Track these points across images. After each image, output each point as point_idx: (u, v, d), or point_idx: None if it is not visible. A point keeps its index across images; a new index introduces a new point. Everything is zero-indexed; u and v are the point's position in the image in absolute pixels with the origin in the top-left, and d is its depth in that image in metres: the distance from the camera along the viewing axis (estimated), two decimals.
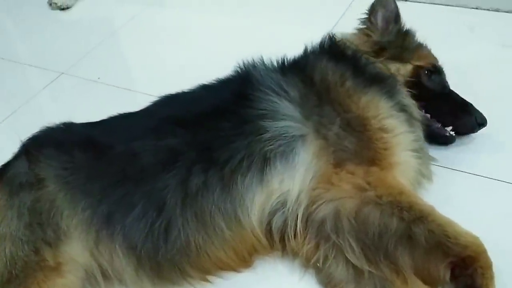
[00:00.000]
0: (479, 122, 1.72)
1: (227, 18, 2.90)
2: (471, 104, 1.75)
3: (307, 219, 1.42)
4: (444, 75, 1.80)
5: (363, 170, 1.41)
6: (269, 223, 1.45)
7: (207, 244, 1.41)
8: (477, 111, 1.73)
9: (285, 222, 1.45)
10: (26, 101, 2.42)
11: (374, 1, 1.79)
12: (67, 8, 3.19)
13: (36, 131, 1.60)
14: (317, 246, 1.42)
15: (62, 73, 2.59)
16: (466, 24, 2.47)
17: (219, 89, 1.64)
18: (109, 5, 3.20)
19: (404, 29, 1.80)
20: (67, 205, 1.39)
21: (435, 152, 1.72)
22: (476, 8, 2.58)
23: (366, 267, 1.34)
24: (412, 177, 1.53)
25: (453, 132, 1.75)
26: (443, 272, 1.28)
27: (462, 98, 1.77)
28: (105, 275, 1.42)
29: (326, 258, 1.41)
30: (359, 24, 1.81)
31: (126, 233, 1.39)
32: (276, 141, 1.45)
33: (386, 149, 1.47)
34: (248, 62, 1.66)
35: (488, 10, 2.55)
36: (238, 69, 1.67)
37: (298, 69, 1.63)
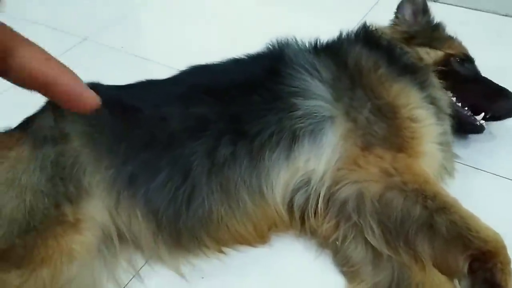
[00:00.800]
0: None
1: (254, 2, 2.88)
2: (506, 89, 1.74)
3: (329, 199, 1.42)
4: (475, 64, 1.82)
5: (391, 156, 1.41)
6: (291, 200, 1.46)
7: (228, 216, 1.41)
8: None
9: (306, 200, 1.45)
10: None
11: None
12: None
13: None
14: (337, 225, 1.42)
15: (86, 38, 2.58)
16: (494, 29, 2.46)
17: (251, 64, 1.63)
18: None
19: (434, 21, 1.83)
20: (91, 162, 1.38)
21: (460, 150, 1.72)
22: (506, 15, 2.57)
23: (385, 250, 1.34)
24: (435, 169, 1.53)
25: (484, 122, 1.74)
26: (462, 264, 1.28)
27: (497, 84, 1.76)
28: (121, 238, 1.42)
29: (345, 237, 1.41)
30: (389, 21, 1.84)
31: (149, 196, 1.38)
32: (307, 119, 1.45)
33: (413, 138, 1.47)
34: (282, 40, 1.65)
35: None
36: (271, 46, 1.66)
37: (331, 52, 1.63)
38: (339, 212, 1.41)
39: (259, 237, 1.46)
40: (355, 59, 1.59)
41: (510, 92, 1.73)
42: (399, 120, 1.48)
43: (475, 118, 1.74)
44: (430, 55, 1.74)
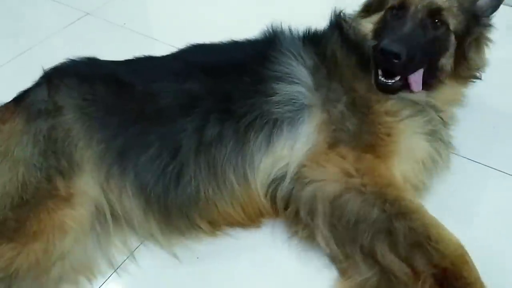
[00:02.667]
0: None
1: None
2: None
3: (291, 198, 1.40)
4: None
5: (355, 156, 1.36)
6: (274, 190, 1.43)
7: (216, 195, 1.40)
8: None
9: (289, 194, 1.41)
10: (47, 37, 2.39)
11: None
12: None
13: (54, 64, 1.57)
14: (296, 230, 1.41)
15: (88, 13, 2.56)
16: (504, 21, 2.40)
17: (246, 46, 1.63)
18: None
19: None
20: (82, 135, 1.38)
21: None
22: None
23: (340, 256, 1.31)
24: (423, 160, 1.44)
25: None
26: (424, 277, 1.21)
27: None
28: (114, 214, 1.42)
29: (308, 241, 1.39)
30: None
31: (138, 171, 1.38)
32: (285, 106, 1.43)
33: (389, 135, 1.40)
34: (276, 26, 1.63)
35: None
36: (266, 31, 1.64)
37: (315, 42, 1.59)
38: (296, 214, 1.39)
39: (249, 220, 1.45)
40: (331, 51, 1.55)
41: None
42: (373, 115, 1.42)
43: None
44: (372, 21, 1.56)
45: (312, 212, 1.34)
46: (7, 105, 1.49)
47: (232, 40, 1.66)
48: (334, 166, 1.35)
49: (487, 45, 1.57)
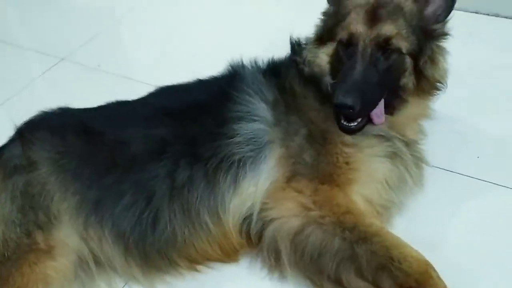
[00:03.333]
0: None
1: (227, 10, 2.88)
2: None
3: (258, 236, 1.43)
4: None
5: (312, 188, 1.39)
6: (248, 226, 1.45)
7: (193, 236, 1.43)
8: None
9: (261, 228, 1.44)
10: (24, 86, 2.43)
11: None
12: None
13: (32, 115, 1.61)
14: (265, 266, 1.44)
15: (62, 59, 2.60)
16: (465, 28, 2.47)
17: (211, 85, 1.64)
18: None
19: None
20: (57, 188, 1.41)
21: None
22: (476, 13, 2.56)
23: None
24: (389, 181, 1.46)
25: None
26: None
27: None
28: (97, 261, 1.44)
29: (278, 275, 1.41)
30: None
31: (115, 220, 1.41)
32: (247, 145, 1.45)
33: (348, 164, 1.42)
34: (239, 61, 1.65)
35: (487, 15, 2.54)
36: (230, 67, 1.66)
37: (276, 73, 1.60)
38: (261, 251, 1.42)
39: (227, 256, 1.47)
40: (289, 82, 1.56)
41: None
42: (330, 146, 1.44)
43: None
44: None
45: (276, 253, 1.37)
46: None
47: (198, 79, 1.68)
48: (292, 201, 1.38)
49: (443, 57, 1.54)
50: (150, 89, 1.71)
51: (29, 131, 1.52)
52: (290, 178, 1.41)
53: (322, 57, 1.51)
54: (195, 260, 1.46)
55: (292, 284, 1.40)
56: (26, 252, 1.33)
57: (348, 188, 1.39)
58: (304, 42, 1.62)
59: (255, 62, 1.64)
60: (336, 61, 1.46)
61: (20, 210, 1.37)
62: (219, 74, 1.68)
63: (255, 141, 1.46)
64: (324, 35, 1.53)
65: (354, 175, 1.41)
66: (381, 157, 1.46)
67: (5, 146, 1.55)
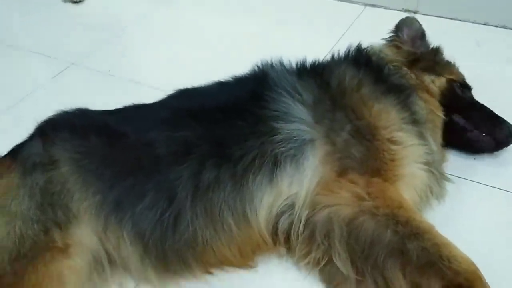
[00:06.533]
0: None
1: (237, 20, 2.94)
2: (501, 117, 1.78)
3: (305, 224, 1.44)
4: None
5: (365, 180, 1.42)
6: (275, 224, 1.47)
7: (213, 239, 1.42)
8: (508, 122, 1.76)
9: (290, 224, 1.46)
10: (33, 90, 2.43)
11: (400, 20, 1.88)
12: (80, 1, 3.22)
13: (47, 117, 1.61)
14: (309, 250, 1.44)
15: (72, 63, 2.61)
16: (474, 39, 2.51)
17: (235, 87, 1.66)
18: (120, 2, 3.24)
19: (434, 46, 1.87)
20: (78, 188, 1.41)
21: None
22: (485, 24, 2.62)
23: (352, 274, 1.35)
24: (420, 189, 1.53)
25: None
26: None
27: (492, 110, 1.81)
28: (111, 262, 1.44)
29: (318, 261, 1.42)
30: (386, 39, 1.87)
31: (135, 221, 1.40)
32: (288, 143, 1.47)
33: (393, 161, 1.47)
34: (267, 62, 1.68)
35: (496, 26, 2.60)
36: (256, 68, 1.69)
37: (315, 73, 1.66)
38: (311, 237, 1.42)
39: (244, 260, 1.47)
40: (338, 79, 1.62)
41: (504, 120, 1.76)
42: (378, 142, 1.49)
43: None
44: (435, 84, 1.77)
45: (328, 234, 1.39)
46: (2, 159, 1.52)
47: (218, 81, 1.69)
48: (346, 191, 1.40)
49: None
50: (160, 93, 1.71)
51: (50, 130, 1.52)
52: (341, 172, 1.44)
53: (429, 83, 1.76)
54: (212, 264, 1.46)
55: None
56: (42, 250, 1.32)
57: (396, 184, 1.44)
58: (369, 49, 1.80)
59: (282, 63, 1.67)
60: (454, 100, 1.77)
61: (38, 207, 1.36)
62: (243, 75, 1.69)
63: (296, 139, 1.47)
64: (419, 61, 1.79)
65: (399, 171, 1.46)
66: (420, 164, 1.53)
67: (25, 142, 1.55)
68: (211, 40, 2.73)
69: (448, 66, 1.86)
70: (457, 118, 1.76)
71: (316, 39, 2.59)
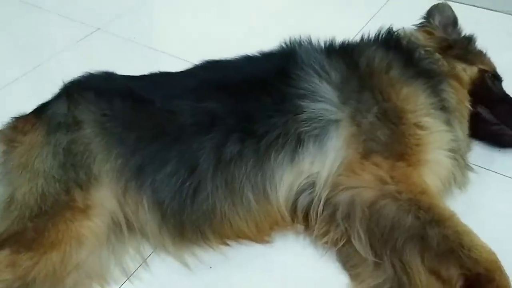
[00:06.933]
0: None
1: None
2: None
3: (325, 203, 1.43)
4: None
5: (389, 164, 1.41)
6: (295, 202, 1.47)
7: (231, 212, 1.43)
8: None
9: (310, 203, 1.46)
10: (58, 52, 2.44)
11: (432, 6, 1.85)
12: None
13: (73, 78, 1.61)
14: (327, 230, 1.44)
15: (98, 28, 2.61)
16: (505, 29, 2.46)
17: (263, 62, 1.65)
18: None
19: (466, 34, 1.84)
20: (101, 150, 1.41)
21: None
22: None
23: (370, 256, 1.35)
24: (444, 176, 1.51)
25: None
26: (455, 280, 1.25)
27: None
28: (129, 227, 1.45)
29: (336, 241, 1.42)
30: (417, 24, 1.84)
31: (155, 187, 1.41)
32: (312, 123, 1.46)
33: (418, 146, 1.46)
34: (295, 39, 1.67)
35: None
36: (284, 45, 1.67)
37: (344, 53, 1.64)
38: (331, 217, 1.42)
39: (261, 235, 1.48)
40: (367, 60, 1.60)
41: None
42: (404, 126, 1.47)
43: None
44: (466, 72, 1.73)
45: (349, 215, 1.39)
46: (27, 117, 1.53)
47: (246, 55, 1.68)
48: (370, 174, 1.39)
49: None
50: (184, 64, 1.71)
51: (75, 90, 1.52)
52: (365, 154, 1.43)
53: (460, 71, 1.72)
54: (228, 236, 1.46)
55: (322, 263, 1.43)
56: (63, 209, 1.33)
57: (420, 169, 1.42)
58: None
59: (311, 41, 1.66)
60: (486, 92, 1.73)
61: (61, 167, 1.37)
62: (271, 51, 1.68)
63: (321, 119, 1.47)
64: (451, 47, 1.76)
65: (424, 156, 1.44)
66: (445, 151, 1.50)
67: (50, 102, 1.56)
68: (239, 13, 2.71)
69: (480, 56, 1.82)
70: (481, 109, 1.73)
71: (346, 20, 2.54)
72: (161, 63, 2.29)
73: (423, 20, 1.84)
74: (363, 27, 2.39)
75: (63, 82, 1.58)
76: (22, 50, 2.49)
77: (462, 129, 1.64)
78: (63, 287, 1.30)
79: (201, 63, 1.69)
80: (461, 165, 1.58)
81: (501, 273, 1.24)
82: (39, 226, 1.30)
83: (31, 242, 1.28)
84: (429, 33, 1.79)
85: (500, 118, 1.73)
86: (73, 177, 1.37)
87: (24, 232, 1.30)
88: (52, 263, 1.28)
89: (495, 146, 1.79)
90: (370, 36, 1.75)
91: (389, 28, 1.76)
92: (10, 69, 2.30)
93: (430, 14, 1.84)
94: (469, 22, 1.90)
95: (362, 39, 1.75)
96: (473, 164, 1.69)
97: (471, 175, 1.64)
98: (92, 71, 1.61)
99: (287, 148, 1.44)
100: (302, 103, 1.48)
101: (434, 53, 1.71)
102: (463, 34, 1.85)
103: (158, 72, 1.67)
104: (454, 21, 1.84)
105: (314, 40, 1.66)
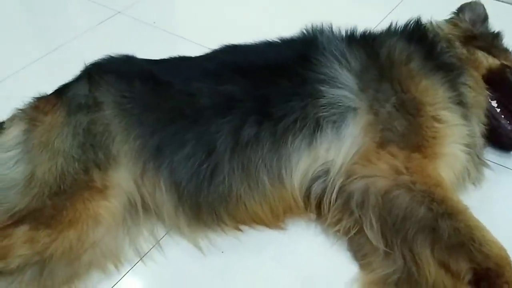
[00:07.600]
0: None
1: None
2: None
3: (339, 191, 1.44)
4: None
5: (405, 155, 1.41)
6: (309, 188, 1.48)
7: (247, 196, 1.44)
8: None
9: (324, 190, 1.47)
10: (80, 34, 2.46)
11: (463, 4, 1.83)
12: None
13: (94, 60, 1.63)
14: (340, 218, 1.44)
15: (119, 12, 2.62)
16: None
17: (283, 47, 1.65)
18: None
19: (495, 30, 1.81)
20: (120, 131, 1.43)
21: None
22: None
23: (381, 245, 1.35)
24: (458, 170, 1.50)
25: None
26: (464, 273, 1.25)
27: None
28: (145, 208, 1.47)
29: (348, 229, 1.43)
30: (447, 20, 1.82)
31: (173, 169, 1.43)
32: (331, 108, 1.46)
33: (434, 138, 1.45)
34: (317, 26, 1.66)
35: None
36: (305, 32, 1.67)
37: (365, 42, 1.63)
38: (344, 205, 1.43)
39: (275, 220, 1.49)
40: (388, 50, 1.59)
41: None
42: (422, 118, 1.47)
43: None
44: (487, 60, 1.71)
45: (362, 204, 1.39)
46: (48, 97, 1.55)
47: (265, 40, 1.68)
48: (385, 163, 1.40)
49: None
50: (204, 50, 1.71)
51: (97, 72, 1.54)
52: (381, 144, 1.43)
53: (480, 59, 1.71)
54: (242, 221, 1.48)
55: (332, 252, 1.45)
56: (81, 188, 1.36)
57: (436, 161, 1.42)
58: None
59: (333, 29, 1.65)
60: (504, 87, 1.69)
61: (80, 147, 1.39)
62: (292, 37, 1.67)
63: (340, 105, 1.47)
64: (476, 39, 1.74)
65: (440, 149, 1.44)
66: (461, 145, 1.49)
67: (71, 83, 1.57)
68: (261, 1, 2.70)
69: (505, 53, 1.79)
70: (492, 104, 1.69)
71: (367, 10, 2.53)
72: (180, 49, 2.31)
73: (452, 15, 1.83)
74: (384, 18, 2.37)
75: (85, 64, 1.60)
76: (43, 31, 2.52)
77: (479, 124, 1.63)
78: (79, 264, 1.34)
79: (220, 47, 1.69)
80: (476, 161, 1.57)
81: (510, 269, 1.24)
82: (57, 204, 1.33)
83: (49, 220, 1.31)
84: (455, 24, 1.78)
85: (509, 118, 1.70)
86: (92, 158, 1.39)
87: (43, 209, 1.32)
88: (69, 241, 1.30)
89: None
90: (397, 27, 1.73)
91: (416, 20, 1.74)
92: (31, 50, 2.33)
93: (461, 10, 1.83)
94: (497, 18, 1.87)
95: (388, 28, 1.73)
96: (489, 161, 1.69)
97: (486, 171, 1.63)
98: (112, 54, 1.62)
99: (304, 133, 1.44)
100: (322, 88, 1.49)
101: (454, 42, 1.70)
102: (491, 31, 1.82)
103: (177, 56, 1.68)
104: (484, 18, 1.81)
105: (335, 29, 1.66)
